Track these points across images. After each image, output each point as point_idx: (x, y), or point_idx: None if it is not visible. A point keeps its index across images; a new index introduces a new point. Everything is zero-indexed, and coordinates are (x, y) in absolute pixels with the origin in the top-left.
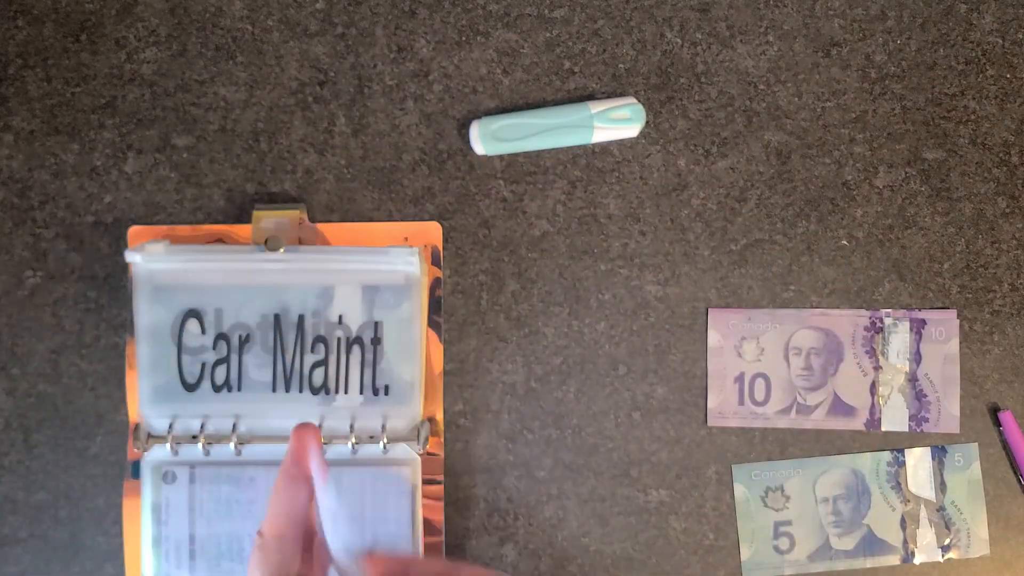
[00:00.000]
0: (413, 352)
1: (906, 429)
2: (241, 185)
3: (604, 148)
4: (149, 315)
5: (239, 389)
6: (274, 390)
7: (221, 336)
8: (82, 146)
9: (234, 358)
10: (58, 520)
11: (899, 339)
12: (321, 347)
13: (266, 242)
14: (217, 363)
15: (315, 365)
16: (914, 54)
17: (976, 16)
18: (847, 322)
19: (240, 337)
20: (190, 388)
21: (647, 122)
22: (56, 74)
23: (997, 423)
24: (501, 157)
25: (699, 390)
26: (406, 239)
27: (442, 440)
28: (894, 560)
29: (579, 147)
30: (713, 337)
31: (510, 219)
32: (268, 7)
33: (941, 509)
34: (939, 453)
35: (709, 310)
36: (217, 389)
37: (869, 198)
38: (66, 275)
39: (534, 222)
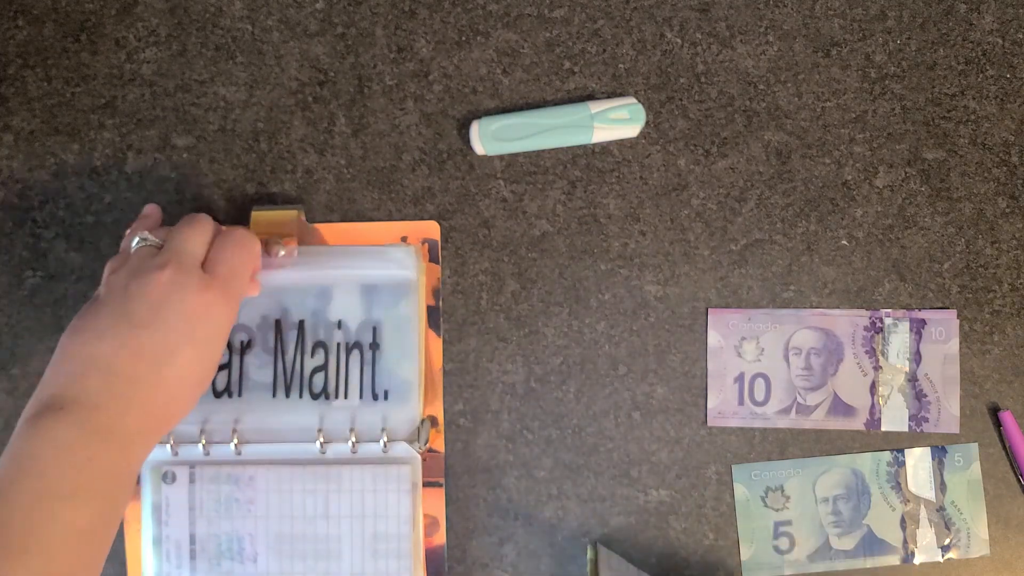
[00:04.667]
0: (412, 351)
1: (906, 429)
2: (241, 185)
3: (604, 148)
4: None
5: (239, 395)
6: (274, 395)
7: None
8: (82, 146)
9: (235, 360)
10: None
11: (899, 339)
12: (321, 351)
13: (265, 243)
14: (219, 368)
15: (315, 370)
16: (914, 54)
17: (976, 16)
18: (847, 322)
19: (242, 342)
20: None
21: (647, 122)
22: (56, 74)
23: (997, 423)
24: (501, 157)
25: (699, 390)
26: (404, 238)
27: (443, 438)
28: (894, 560)
29: (579, 147)
30: (713, 337)
31: (510, 219)
32: (268, 7)
33: (941, 509)
34: (939, 453)
35: (709, 310)
36: (218, 395)
37: (869, 198)
38: (66, 275)
39: (534, 222)
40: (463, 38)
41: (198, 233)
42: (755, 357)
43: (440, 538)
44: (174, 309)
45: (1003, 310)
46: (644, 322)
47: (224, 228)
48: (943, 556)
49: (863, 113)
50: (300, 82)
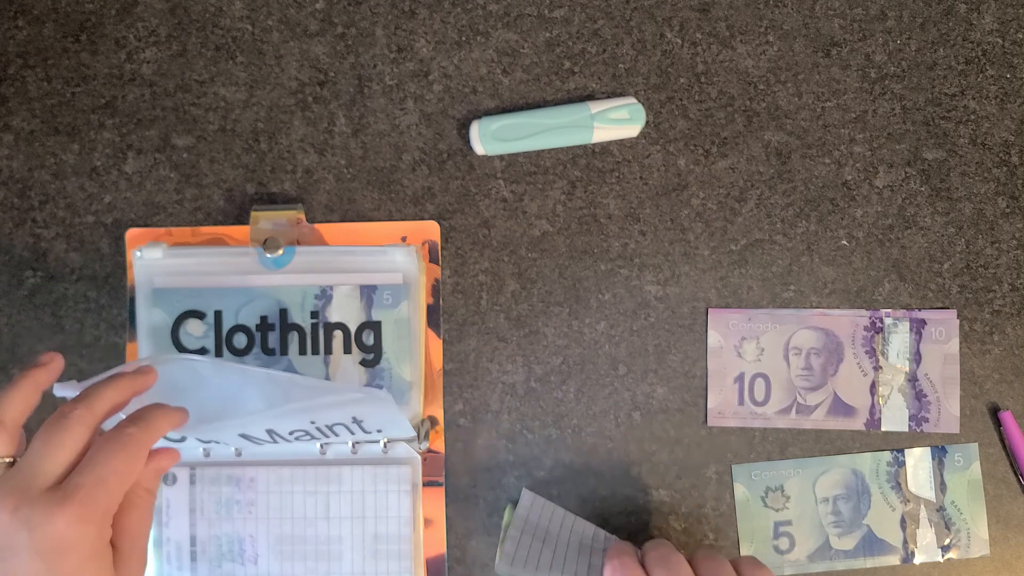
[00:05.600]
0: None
1: (906, 429)
2: (241, 185)
3: (604, 148)
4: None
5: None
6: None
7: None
8: (82, 146)
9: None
10: None
11: (899, 339)
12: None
13: (264, 243)
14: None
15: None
16: (914, 54)
17: (976, 16)
18: (847, 322)
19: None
20: None
21: (647, 122)
22: (56, 74)
23: (997, 423)
24: (501, 157)
25: (699, 390)
26: (404, 238)
27: (443, 438)
28: (894, 560)
29: (579, 147)
30: (713, 337)
31: (510, 219)
32: (268, 7)
33: (941, 509)
34: (939, 453)
35: (709, 310)
36: None
37: (869, 198)
38: (66, 275)
39: (534, 222)
40: (463, 38)
41: (60, 446)
42: (755, 357)
43: (440, 539)
44: (20, 557)
45: (1003, 310)
46: (644, 322)
47: (112, 432)
48: (943, 556)
49: (863, 113)
50: (300, 82)
